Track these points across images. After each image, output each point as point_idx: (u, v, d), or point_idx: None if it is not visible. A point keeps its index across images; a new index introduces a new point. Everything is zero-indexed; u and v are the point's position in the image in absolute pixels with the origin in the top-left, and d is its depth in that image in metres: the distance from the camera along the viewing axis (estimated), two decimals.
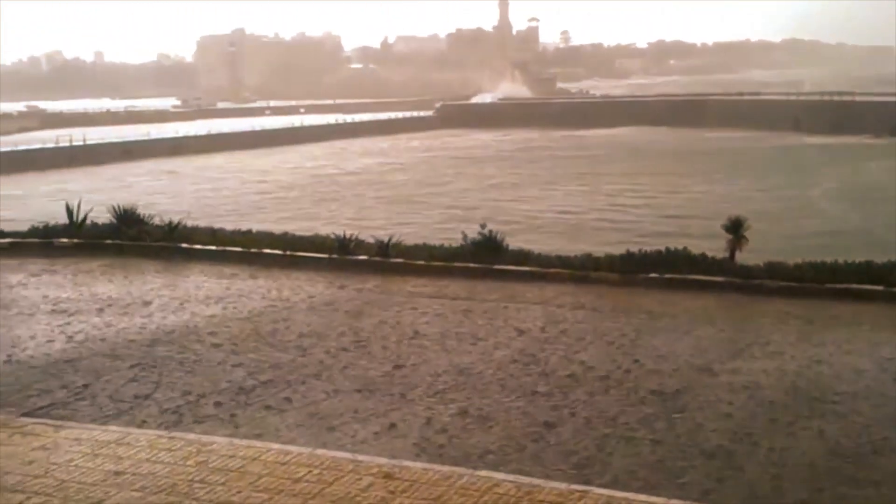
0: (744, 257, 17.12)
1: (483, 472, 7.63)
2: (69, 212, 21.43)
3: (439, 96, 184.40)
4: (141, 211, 21.96)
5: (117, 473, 7.59)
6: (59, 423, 9.11)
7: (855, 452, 8.74)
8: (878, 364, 11.62)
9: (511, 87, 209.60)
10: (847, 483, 8.13)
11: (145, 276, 17.50)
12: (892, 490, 8.02)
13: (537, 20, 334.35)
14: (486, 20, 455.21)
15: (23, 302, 15.32)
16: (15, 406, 9.95)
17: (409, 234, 26.80)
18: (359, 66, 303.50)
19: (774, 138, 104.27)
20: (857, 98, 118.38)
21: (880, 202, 53.48)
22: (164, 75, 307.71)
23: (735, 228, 17.41)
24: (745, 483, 8.09)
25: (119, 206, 21.68)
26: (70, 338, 12.96)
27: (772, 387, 10.65)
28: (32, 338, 12.97)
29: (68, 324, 13.79)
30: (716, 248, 17.57)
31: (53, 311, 14.69)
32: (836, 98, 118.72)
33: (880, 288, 15.23)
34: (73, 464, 7.81)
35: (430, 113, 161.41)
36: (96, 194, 50.52)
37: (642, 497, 7.28)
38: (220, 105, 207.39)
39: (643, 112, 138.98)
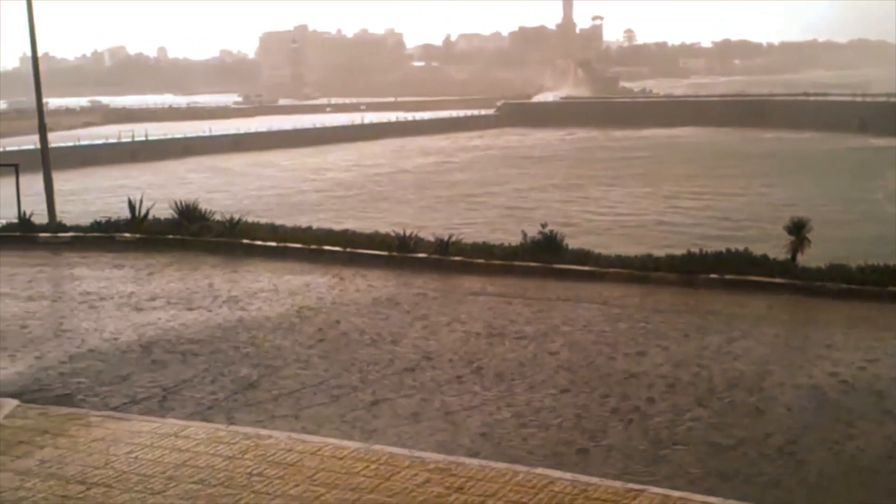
0: (805, 260, 16.95)
1: (539, 470, 7.61)
2: (131, 207, 21.64)
3: (501, 95, 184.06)
4: (201, 207, 22.15)
5: (176, 465, 7.66)
6: (119, 414, 9.22)
7: None
8: None
9: (573, 86, 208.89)
10: None
11: (209, 271, 17.62)
12: None
13: (601, 18, 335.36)
14: (550, 18, 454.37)
15: (89, 296, 15.50)
16: (80, 398, 10.08)
17: (468, 234, 26.79)
18: (421, 63, 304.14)
19: (838, 140, 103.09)
20: None
21: None
22: (226, 72, 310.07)
23: (797, 230, 17.23)
24: (804, 484, 8.00)
25: (181, 202, 21.88)
26: (138, 331, 13.09)
27: (834, 388, 10.52)
28: (98, 330, 13.12)
29: (136, 317, 13.93)
30: (775, 251, 17.40)
31: (122, 304, 14.85)
32: None
33: None
34: (132, 455, 7.90)
35: (491, 111, 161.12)
36: (157, 190, 51.16)
37: (699, 497, 7.22)
38: (282, 102, 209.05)
39: (705, 112, 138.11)
